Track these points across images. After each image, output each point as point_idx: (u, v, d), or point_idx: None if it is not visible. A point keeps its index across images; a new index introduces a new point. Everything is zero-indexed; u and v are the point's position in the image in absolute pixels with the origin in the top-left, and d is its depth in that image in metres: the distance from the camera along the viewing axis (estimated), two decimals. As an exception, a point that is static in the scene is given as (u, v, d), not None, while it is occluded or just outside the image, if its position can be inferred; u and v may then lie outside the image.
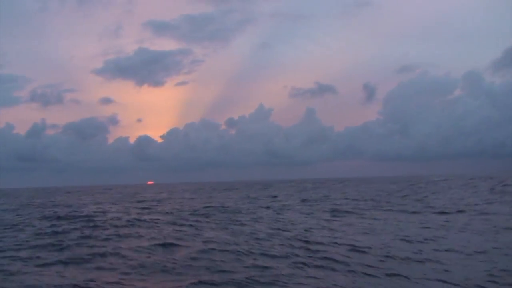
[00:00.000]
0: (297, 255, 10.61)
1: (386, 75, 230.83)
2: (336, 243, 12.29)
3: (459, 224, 15.85)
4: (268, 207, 24.51)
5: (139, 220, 17.75)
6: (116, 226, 15.98)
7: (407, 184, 55.27)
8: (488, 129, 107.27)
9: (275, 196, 36.44)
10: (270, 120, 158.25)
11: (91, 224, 16.71)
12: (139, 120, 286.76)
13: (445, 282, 8.24)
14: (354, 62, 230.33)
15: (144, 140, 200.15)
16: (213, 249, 11.32)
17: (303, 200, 29.73)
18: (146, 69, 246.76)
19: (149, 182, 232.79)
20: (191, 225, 16.24)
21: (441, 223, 16.26)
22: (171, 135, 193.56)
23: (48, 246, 12.32)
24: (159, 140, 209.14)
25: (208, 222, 17.39)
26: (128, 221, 17.39)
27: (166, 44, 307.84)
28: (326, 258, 10.37)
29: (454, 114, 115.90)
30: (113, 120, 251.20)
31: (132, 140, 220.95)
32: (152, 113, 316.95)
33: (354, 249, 11.38)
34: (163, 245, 12.03)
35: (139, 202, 31.78)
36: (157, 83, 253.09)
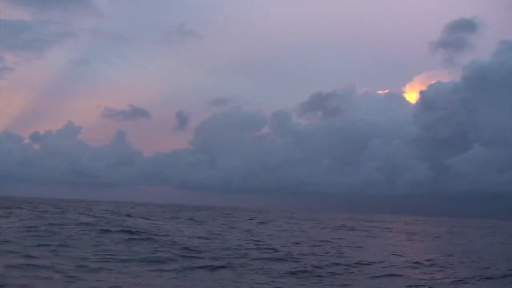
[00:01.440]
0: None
1: (200, 106, 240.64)
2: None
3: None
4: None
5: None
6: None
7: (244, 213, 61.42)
8: (290, 167, 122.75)
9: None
10: (79, 138, 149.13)
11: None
12: None
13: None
14: (170, 89, 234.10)
15: None
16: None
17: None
18: None
19: None
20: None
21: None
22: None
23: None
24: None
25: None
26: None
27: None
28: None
29: (261, 150, 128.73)
30: None
31: None
32: None
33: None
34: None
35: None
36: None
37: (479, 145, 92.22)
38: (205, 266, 12.81)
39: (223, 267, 12.95)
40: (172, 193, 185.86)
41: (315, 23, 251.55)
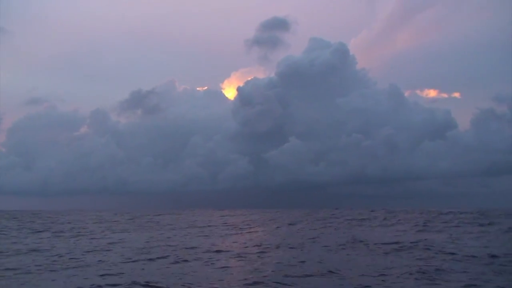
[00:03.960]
0: None
1: (12, 107, 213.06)
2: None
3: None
4: None
5: None
6: None
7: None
8: (112, 166, 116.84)
9: None
10: None
11: None
12: None
13: None
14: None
15: None
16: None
17: None
18: None
19: None
20: None
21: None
22: None
23: None
24: None
25: None
26: None
27: None
28: None
29: (80, 150, 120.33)
30: None
31: None
32: None
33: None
34: None
35: None
36: None
37: (294, 138, 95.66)
38: None
39: None
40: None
41: (132, 20, 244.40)
